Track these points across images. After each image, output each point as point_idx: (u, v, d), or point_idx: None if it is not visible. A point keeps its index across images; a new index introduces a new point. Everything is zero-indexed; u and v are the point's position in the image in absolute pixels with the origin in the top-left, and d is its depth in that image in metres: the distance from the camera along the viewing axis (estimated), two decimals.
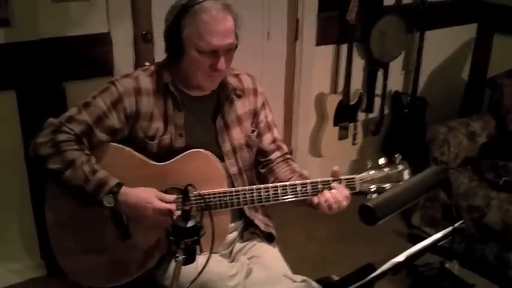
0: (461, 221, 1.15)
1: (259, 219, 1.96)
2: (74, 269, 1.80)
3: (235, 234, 1.95)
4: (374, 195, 1.78)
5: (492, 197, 2.91)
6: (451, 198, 1.12)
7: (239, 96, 1.89)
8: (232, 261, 1.89)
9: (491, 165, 3.13)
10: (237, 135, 1.88)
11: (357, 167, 3.85)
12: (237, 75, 1.92)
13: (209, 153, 1.77)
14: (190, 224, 1.37)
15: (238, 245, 1.94)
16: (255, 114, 1.94)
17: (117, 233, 1.76)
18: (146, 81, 1.78)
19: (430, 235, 3.25)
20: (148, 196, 1.68)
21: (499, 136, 3.35)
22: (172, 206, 1.66)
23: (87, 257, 1.78)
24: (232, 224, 1.90)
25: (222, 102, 1.86)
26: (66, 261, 1.80)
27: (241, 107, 1.90)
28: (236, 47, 1.77)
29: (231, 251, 1.94)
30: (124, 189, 1.68)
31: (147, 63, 2.76)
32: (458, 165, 3.25)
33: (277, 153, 1.97)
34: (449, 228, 1.17)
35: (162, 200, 1.68)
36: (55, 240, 1.79)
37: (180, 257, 1.35)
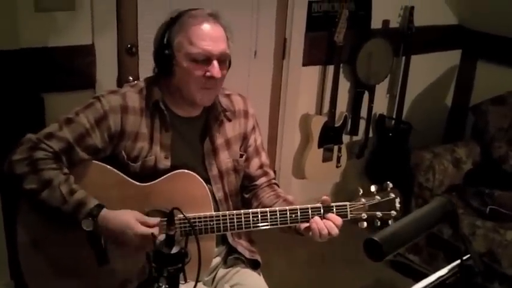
0: (467, 256, 1.09)
1: (243, 247, 1.88)
2: None
3: (218, 259, 1.86)
4: (365, 224, 1.74)
5: (478, 226, 2.87)
6: (458, 231, 1.06)
7: (229, 120, 1.82)
8: None
9: (476, 193, 3.10)
10: (225, 159, 1.80)
11: (340, 190, 3.81)
12: (228, 96, 1.85)
13: (195, 174, 1.69)
14: (174, 250, 1.28)
15: (221, 271, 1.86)
16: (244, 137, 1.87)
17: (94, 257, 1.65)
18: (134, 99, 1.70)
19: (412, 262, 3.21)
20: (129, 220, 1.59)
21: (484, 163, 3.33)
22: (155, 230, 1.57)
23: (59, 281, 1.68)
24: (216, 249, 1.81)
25: (211, 124, 1.78)
26: (36, 284, 1.69)
27: (231, 129, 1.83)
28: (230, 63, 1.71)
29: (214, 278, 1.85)
30: (104, 212, 1.59)
31: (130, 78, 2.73)
32: (443, 192, 3.23)
33: (263, 179, 1.90)
34: (455, 263, 1.10)
35: (144, 224, 1.59)
36: (25, 260, 1.68)
37: (163, 286, 1.26)
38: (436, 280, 1.07)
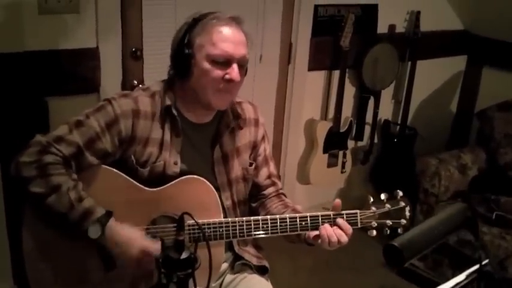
0: (486, 260, 1.05)
1: (249, 254, 1.86)
2: None
3: (225, 265, 1.84)
4: (374, 232, 1.72)
5: (484, 232, 2.84)
6: (477, 237, 1.03)
7: (240, 128, 1.80)
8: None
9: (482, 199, 3.08)
10: (235, 167, 1.78)
11: (345, 195, 3.77)
12: (239, 103, 1.82)
13: (205, 180, 1.67)
14: (184, 255, 1.26)
15: (228, 277, 1.83)
16: (254, 146, 1.84)
17: (101, 263, 1.62)
18: (146, 103, 1.67)
19: (417, 268, 3.18)
20: (135, 235, 1.57)
21: (490, 170, 3.31)
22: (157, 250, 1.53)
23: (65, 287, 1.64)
24: (223, 255, 1.78)
25: (222, 131, 1.76)
26: None
27: (242, 138, 1.80)
28: (246, 70, 1.69)
29: (221, 284, 1.83)
30: (112, 222, 1.56)
31: (135, 82, 2.71)
32: (449, 198, 3.20)
33: (271, 189, 1.88)
34: (473, 269, 1.07)
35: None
36: (31, 266, 1.64)
37: None
38: (454, 286, 1.04)
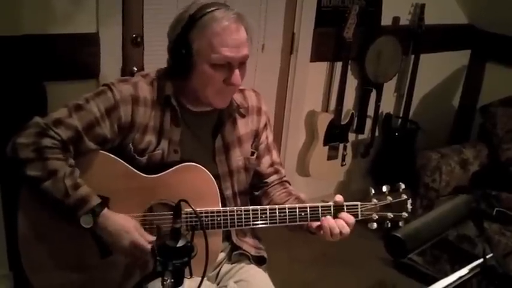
0: (491, 254, 1.03)
1: (248, 245, 1.83)
2: (45, 286, 1.64)
3: (222, 255, 1.82)
4: (374, 225, 1.70)
5: (484, 228, 2.82)
6: (482, 231, 1.01)
7: (243, 116, 1.76)
8: (218, 284, 1.78)
9: (483, 195, 3.06)
10: (236, 157, 1.75)
11: (345, 188, 3.76)
12: (242, 91, 1.78)
13: (203, 168, 1.64)
14: (180, 243, 1.24)
15: (225, 267, 1.81)
16: (256, 135, 1.81)
17: (97, 249, 1.61)
18: (145, 90, 1.63)
19: (416, 262, 3.15)
20: (128, 225, 1.55)
21: (491, 165, 3.28)
22: (148, 246, 1.52)
23: (61, 274, 1.62)
24: (221, 244, 1.76)
25: (224, 120, 1.72)
26: (36, 276, 1.63)
27: (244, 126, 1.77)
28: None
29: (218, 273, 1.81)
30: (106, 211, 1.54)
31: (135, 69, 2.67)
32: (449, 193, 3.18)
33: (274, 177, 1.86)
34: (477, 263, 1.05)
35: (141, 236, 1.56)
36: (26, 252, 1.63)
37: (168, 280, 1.21)
38: (456, 280, 1.02)
